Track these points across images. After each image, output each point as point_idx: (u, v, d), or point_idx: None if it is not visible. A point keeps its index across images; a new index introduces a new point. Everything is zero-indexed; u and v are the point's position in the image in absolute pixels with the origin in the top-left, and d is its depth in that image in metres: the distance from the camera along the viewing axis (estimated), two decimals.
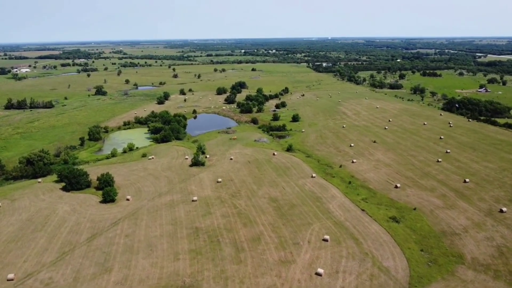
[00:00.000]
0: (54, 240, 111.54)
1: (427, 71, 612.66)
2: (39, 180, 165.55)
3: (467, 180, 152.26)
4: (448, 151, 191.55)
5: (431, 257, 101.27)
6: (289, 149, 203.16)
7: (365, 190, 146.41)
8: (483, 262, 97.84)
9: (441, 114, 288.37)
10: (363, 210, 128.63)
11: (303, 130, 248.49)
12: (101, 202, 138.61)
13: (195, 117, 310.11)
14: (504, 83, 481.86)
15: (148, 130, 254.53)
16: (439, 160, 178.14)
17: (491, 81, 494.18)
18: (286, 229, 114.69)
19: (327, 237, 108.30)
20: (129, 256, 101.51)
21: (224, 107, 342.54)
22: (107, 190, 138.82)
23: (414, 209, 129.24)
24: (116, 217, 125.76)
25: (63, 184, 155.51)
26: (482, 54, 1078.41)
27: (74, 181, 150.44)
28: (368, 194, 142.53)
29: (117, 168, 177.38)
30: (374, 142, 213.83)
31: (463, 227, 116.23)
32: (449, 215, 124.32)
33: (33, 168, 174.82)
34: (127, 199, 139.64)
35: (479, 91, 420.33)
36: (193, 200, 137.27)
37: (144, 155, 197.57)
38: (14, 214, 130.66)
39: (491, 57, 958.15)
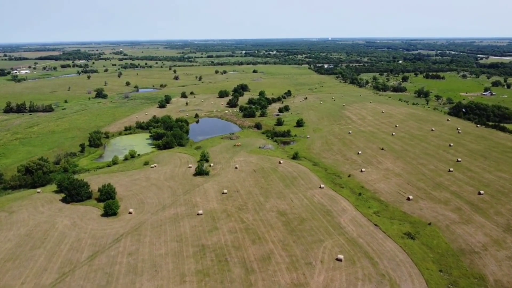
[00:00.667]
0: (54, 258, 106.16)
1: (430, 73, 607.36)
2: (38, 190, 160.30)
3: (481, 192, 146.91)
4: (459, 159, 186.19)
5: (451, 278, 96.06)
6: (295, 156, 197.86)
7: (376, 203, 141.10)
8: (507, 285, 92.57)
9: (448, 119, 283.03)
10: (376, 225, 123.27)
11: (308, 136, 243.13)
12: (103, 215, 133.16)
13: (197, 122, 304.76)
14: (508, 86, 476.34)
15: (150, 136, 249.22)
16: (451, 169, 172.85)
17: (495, 84, 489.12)
18: (297, 247, 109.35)
19: (340, 256, 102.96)
20: (132, 278, 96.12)
21: (226, 111, 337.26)
22: (108, 203, 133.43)
23: (429, 224, 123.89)
24: (119, 232, 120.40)
25: (63, 195, 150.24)
26: (484, 56, 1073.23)
27: (74, 193, 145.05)
28: (379, 207, 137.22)
29: (119, 178, 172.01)
30: (382, 149, 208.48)
31: (482, 244, 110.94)
32: (466, 230, 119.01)
33: (32, 177, 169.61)
34: (130, 212, 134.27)
35: (484, 95, 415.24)
36: (198, 214, 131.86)
37: (146, 163, 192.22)
38: (12, 228, 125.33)
39: (492, 59, 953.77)
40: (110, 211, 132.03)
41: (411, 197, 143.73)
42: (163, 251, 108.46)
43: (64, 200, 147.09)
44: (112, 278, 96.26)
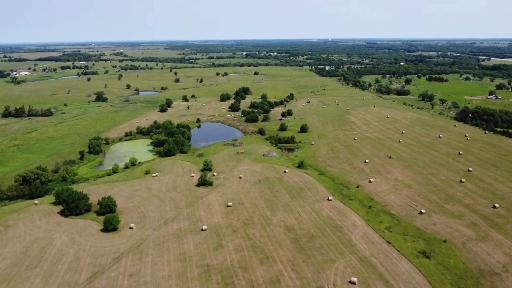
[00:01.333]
0: (51, 280, 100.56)
1: (433, 76, 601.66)
2: (36, 201, 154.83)
3: (496, 205, 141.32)
4: (470, 169, 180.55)
5: None
6: (301, 165, 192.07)
7: (387, 217, 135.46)
8: None
9: (455, 125, 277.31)
10: (389, 242, 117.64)
11: (313, 143, 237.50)
12: (102, 230, 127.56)
13: (199, 127, 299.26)
14: None
15: (151, 142, 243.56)
16: (462, 180, 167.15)
17: (499, 87, 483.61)
18: (308, 268, 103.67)
19: (354, 279, 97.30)
20: None
21: (228, 115, 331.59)
22: (108, 217, 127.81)
23: (444, 241, 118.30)
24: (119, 250, 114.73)
25: (62, 207, 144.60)
26: (486, 57, 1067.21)
27: (73, 206, 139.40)
28: (391, 222, 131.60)
29: (119, 188, 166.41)
30: (390, 157, 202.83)
31: (502, 265, 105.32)
32: (483, 249, 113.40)
33: (30, 187, 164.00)
34: (131, 228, 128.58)
35: (489, 98, 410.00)
36: (202, 229, 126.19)
37: (147, 172, 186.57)
38: (8, 244, 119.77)
39: (495, 60, 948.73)
40: (110, 226, 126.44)
41: (423, 210, 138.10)
42: (166, 272, 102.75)
43: (62, 213, 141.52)
44: None
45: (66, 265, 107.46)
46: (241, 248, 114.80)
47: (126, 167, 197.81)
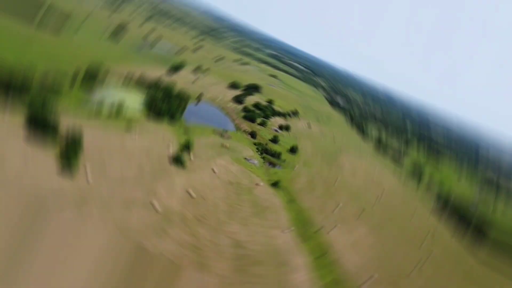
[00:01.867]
0: None
1: (433, 155, 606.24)
2: None
3: None
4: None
5: None
6: (275, 184, 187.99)
7: (335, 272, 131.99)
8: None
9: (431, 212, 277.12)
10: None
11: (296, 167, 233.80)
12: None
13: (197, 102, 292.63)
14: None
15: (145, 98, 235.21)
16: (421, 267, 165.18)
17: None
18: None
19: None
20: None
21: (229, 105, 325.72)
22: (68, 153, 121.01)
23: None
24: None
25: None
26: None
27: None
28: (337, 279, 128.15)
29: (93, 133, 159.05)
30: (361, 214, 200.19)
31: None
32: None
33: None
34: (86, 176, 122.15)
35: None
36: (154, 208, 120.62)
37: (127, 129, 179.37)
38: None
39: None
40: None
41: (374, 278, 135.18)
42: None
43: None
44: None
45: None
46: (183, 243, 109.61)
47: (109, 114, 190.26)
